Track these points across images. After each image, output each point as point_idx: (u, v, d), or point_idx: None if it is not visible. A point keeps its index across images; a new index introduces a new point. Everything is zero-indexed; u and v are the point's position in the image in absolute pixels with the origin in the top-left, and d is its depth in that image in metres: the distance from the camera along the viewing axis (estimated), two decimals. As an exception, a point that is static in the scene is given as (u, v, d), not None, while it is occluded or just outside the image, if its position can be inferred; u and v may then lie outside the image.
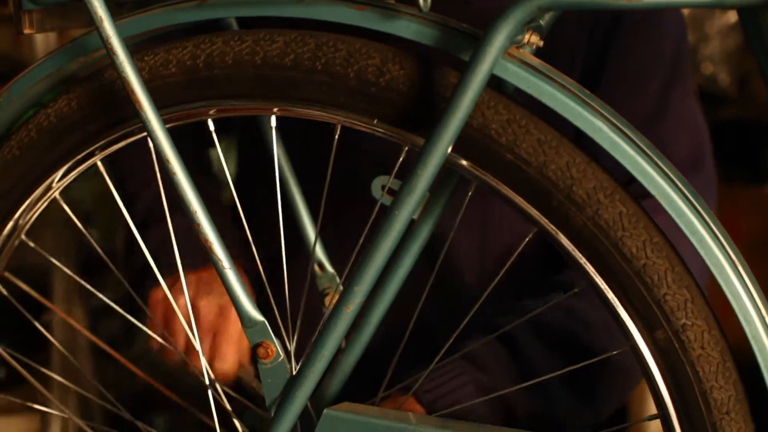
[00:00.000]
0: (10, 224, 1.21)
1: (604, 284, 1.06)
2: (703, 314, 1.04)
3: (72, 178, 1.21)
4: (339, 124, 1.11)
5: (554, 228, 1.06)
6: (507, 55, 1.05)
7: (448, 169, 1.10)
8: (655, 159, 1.04)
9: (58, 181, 1.20)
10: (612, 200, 1.04)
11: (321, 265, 1.28)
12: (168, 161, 1.09)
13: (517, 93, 1.07)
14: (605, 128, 1.03)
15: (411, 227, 1.16)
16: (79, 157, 1.19)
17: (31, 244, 1.24)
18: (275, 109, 1.14)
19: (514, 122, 1.05)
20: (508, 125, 1.05)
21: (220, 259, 1.10)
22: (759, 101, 2.75)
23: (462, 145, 1.05)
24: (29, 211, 1.21)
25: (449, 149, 1.03)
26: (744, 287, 1.03)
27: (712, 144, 1.56)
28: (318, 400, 1.15)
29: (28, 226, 1.22)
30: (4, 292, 1.26)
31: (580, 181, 1.04)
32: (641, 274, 1.04)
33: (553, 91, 1.04)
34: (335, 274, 1.28)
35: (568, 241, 1.06)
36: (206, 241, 1.10)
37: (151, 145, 1.11)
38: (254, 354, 1.12)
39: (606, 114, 1.04)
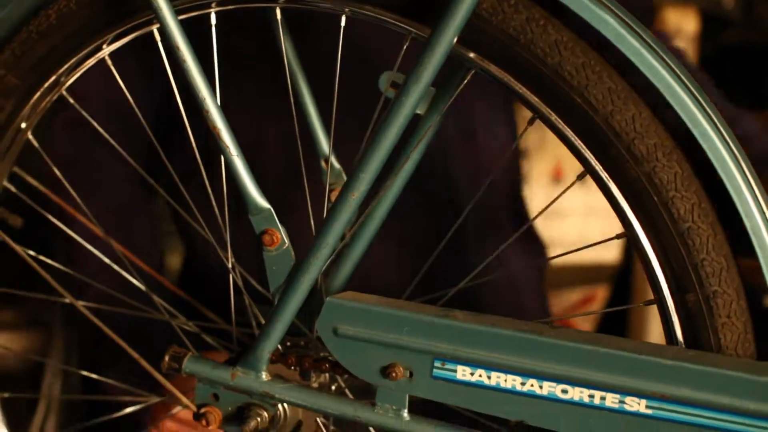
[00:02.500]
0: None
1: (645, 238, 1.07)
2: (734, 284, 1.06)
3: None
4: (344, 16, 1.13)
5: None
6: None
7: (454, 64, 1.12)
8: (660, 52, 1.04)
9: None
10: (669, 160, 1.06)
11: (327, 161, 1.29)
12: (178, 48, 1.10)
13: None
14: (611, 20, 1.04)
15: (417, 122, 1.17)
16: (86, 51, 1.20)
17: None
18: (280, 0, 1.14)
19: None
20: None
21: (227, 146, 1.12)
22: (764, 25, 2.73)
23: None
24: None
25: (455, 39, 1.04)
26: (745, 181, 1.04)
27: (716, 68, 1.56)
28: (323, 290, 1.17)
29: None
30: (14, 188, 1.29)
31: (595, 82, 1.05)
32: (684, 236, 1.05)
33: (558, -18, 1.05)
34: (342, 169, 1.29)
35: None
36: (214, 128, 1.11)
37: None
38: (259, 242, 1.13)
39: (612, 7, 1.04)
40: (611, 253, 2.95)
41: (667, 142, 1.06)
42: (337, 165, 1.29)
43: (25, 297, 1.34)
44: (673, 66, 1.04)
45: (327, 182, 1.27)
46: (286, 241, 1.13)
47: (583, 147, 1.08)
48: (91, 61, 1.21)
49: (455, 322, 1.09)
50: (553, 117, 1.08)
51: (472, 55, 1.08)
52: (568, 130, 1.08)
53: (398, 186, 1.19)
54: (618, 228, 1.10)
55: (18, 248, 1.29)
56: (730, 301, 1.06)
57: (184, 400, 1.21)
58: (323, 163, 1.29)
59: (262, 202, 1.13)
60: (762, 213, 1.04)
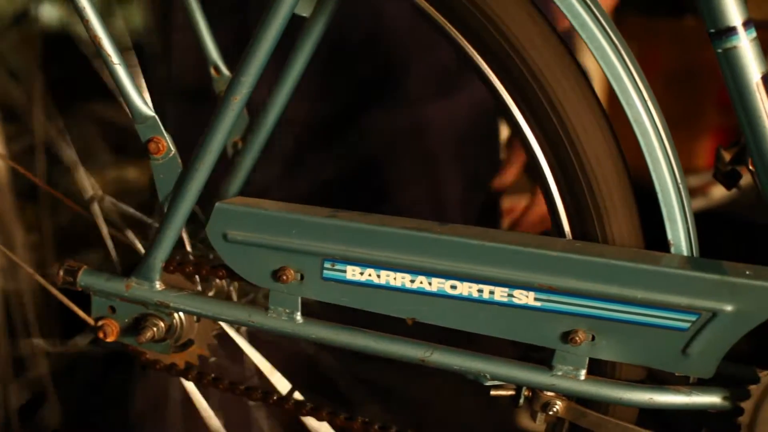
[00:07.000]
0: None
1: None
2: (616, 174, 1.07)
3: None
4: None
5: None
6: None
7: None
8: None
9: None
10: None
11: (217, 68, 1.28)
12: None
13: None
14: None
15: (304, 26, 1.16)
16: None
17: None
18: None
19: None
20: None
21: (109, 55, 1.10)
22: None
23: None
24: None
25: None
26: (623, 65, 1.03)
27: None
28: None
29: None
30: None
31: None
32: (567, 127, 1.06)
33: None
34: (231, 76, 1.27)
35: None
36: (95, 37, 1.09)
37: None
38: (146, 150, 1.12)
39: None
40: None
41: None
42: (226, 71, 1.28)
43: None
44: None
45: (216, 89, 1.26)
46: (172, 148, 1.12)
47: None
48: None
49: (342, 222, 1.09)
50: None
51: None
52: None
53: (287, 92, 1.18)
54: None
55: None
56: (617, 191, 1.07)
57: (81, 313, 1.21)
58: (212, 71, 1.28)
59: (147, 111, 1.12)
60: (642, 99, 1.03)
